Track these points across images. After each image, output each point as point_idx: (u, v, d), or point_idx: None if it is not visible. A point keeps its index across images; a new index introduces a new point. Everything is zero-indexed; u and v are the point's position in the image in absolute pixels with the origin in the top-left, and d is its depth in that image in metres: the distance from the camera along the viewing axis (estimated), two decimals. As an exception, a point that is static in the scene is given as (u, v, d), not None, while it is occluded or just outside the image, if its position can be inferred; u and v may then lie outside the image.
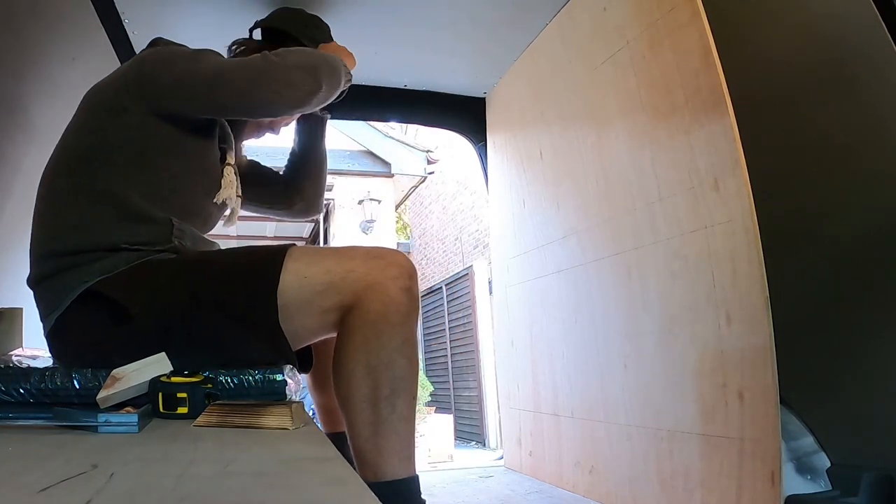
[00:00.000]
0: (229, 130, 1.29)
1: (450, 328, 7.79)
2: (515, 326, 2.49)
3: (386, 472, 0.99)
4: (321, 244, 6.63)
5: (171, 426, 0.80)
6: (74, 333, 1.05)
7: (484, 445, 6.76)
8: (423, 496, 1.03)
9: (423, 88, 2.62)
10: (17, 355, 1.16)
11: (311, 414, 1.20)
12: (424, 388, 6.80)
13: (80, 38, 1.81)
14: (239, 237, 6.35)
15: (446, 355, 7.85)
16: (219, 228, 1.38)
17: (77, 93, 1.23)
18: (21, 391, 0.93)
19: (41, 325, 1.10)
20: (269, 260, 1.04)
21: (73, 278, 1.04)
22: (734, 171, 1.36)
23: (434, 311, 8.28)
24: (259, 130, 1.42)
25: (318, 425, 1.30)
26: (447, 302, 7.88)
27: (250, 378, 0.98)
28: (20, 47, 1.51)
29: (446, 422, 6.16)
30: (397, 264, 1.04)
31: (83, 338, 1.04)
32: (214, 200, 1.23)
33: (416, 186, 7.79)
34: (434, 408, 6.65)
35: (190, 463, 0.57)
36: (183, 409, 0.85)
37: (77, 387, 0.94)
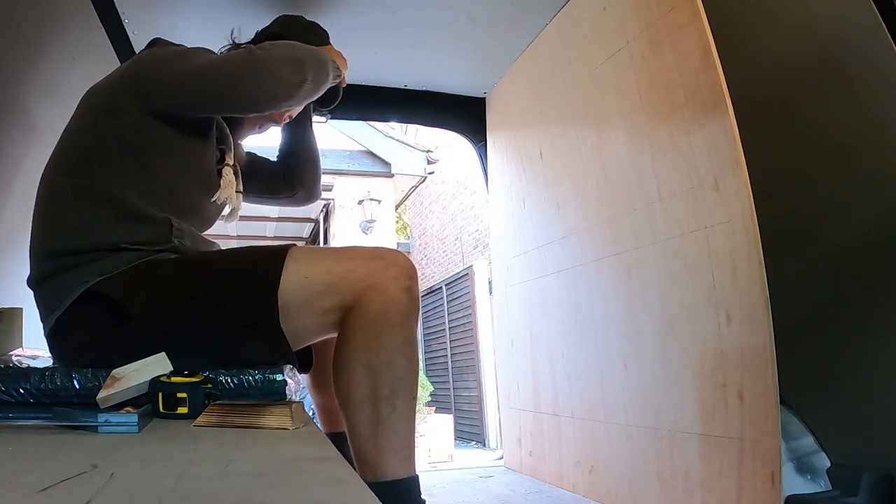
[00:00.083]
0: (228, 132, 1.29)
1: (450, 328, 7.79)
2: (515, 326, 2.49)
3: (386, 472, 0.99)
4: (321, 244, 6.63)
5: (171, 426, 0.80)
6: (75, 333, 1.05)
7: (484, 445, 6.76)
8: (423, 496, 1.03)
9: (423, 88, 2.62)
10: (17, 355, 1.16)
11: (311, 414, 1.20)
12: (424, 388, 6.80)
13: (80, 38, 1.81)
14: (239, 237, 6.35)
15: (446, 355, 7.85)
16: (218, 228, 1.38)
17: (77, 93, 1.23)
18: (21, 391, 0.93)
19: (41, 325, 1.10)
20: (269, 260, 1.04)
21: (74, 278, 1.04)
22: (734, 171, 1.36)
23: (434, 311, 8.28)
24: (260, 125, 1.40)
25: (318, 425, 1.30)
26: (447, 302, 7.88)
27: (250, 378, 0.98)
28: (20, 47, 1.51)
29: (446, 422, 6.16)
30: (397, 264, 1.04)
31: (83, 338, 1.05)
32: (213, 200, 1.23)
33: (416, 186, 7.78)
34: (434, 408, 6.65)
35: (190, 463, 0.57)
36: (183, 409, 0.85)
37: (77, 387, 0.94)
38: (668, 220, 1.59)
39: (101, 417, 0.76)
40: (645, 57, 1.67)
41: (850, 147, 1.38)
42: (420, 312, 1.08)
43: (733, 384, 1.36)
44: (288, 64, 1.13)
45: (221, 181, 1.26)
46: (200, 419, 0.81)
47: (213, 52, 1.21)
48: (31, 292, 1.11)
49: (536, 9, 2.07)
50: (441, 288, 8.09)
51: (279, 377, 0.99)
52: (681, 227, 1.54)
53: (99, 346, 1.02)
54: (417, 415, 1.08)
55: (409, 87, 2.60)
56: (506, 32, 2.22)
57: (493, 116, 2.68)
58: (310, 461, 0.61)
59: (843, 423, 1.41)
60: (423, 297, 8.18)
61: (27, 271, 1.12)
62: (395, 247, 6.08)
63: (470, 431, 7.19)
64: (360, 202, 6.38)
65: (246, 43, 1.42)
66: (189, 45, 1.24)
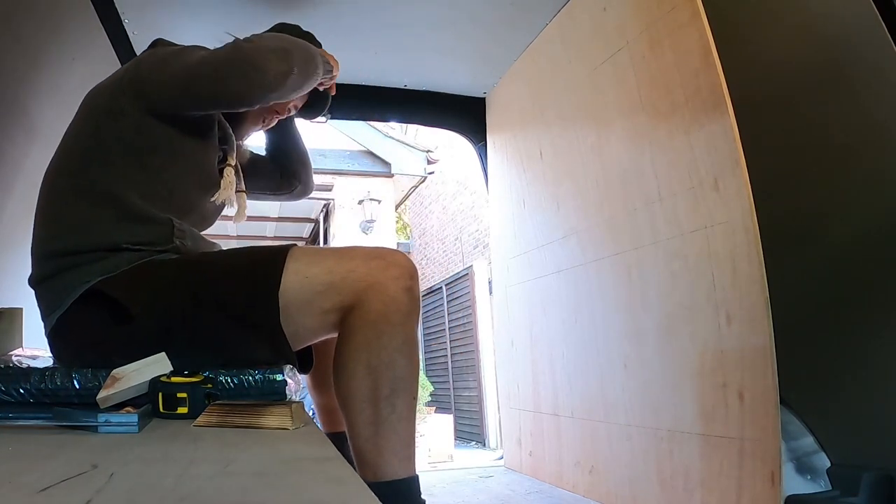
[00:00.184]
0: (231, 132, 1.29)
1: (450, 328, 7.78)
2: (515, 326, 2.49)
3: (386, 472, 0.99)
4: (321, 244, 6.63)
5: (171, 426, 0.80)
6: (76, 333, 1.05)
7: (484, 445, 6.76)
8: (423, 496, 1.03)
9: (423, 88, 2.62)
10: (17, 355, 1.16)
11: (311, 414, 1.20)
12: (424, 388, 6.80)
13: (80, 39, 1.81)
14: (239, 237, 6.35)
15: (446, 355, 7.85)
16: (218, 228, 1.38)
17: (77, 93, 1.23)
18: (21, 391, 0.93)
19: (42, 324, 1.10)
20: (270, 260, 1.04)
21: (75, 278, 1.04)
22: (734, 171, 1.36)
23: (434, 311, 8.28)
24: (264, 119, 1.39)
25: (318, 425, 1.30)
26: (447, 302, 7.88)
27: (250, 378, 0.98)
28: (20, 48, 1.51)
29: (446, 422, 6.16)
30: (398, 264, 1.04)
31: (84, 337, 1.05)
32: (213, 200, 1.23)
33: (416, 186, 7.78)
34: (434, 408, 6.65)
35: (190, 463, 0.57)
36: (183, 409, 0.85)
37: (77, 387, 0.94)
38: (668, 220, 1.59)
39: (101, 417, 0.76)
40: (645, 57, 1.67)
41: (850, 147, 1.38)
42: (420, 312, 1.08)
43: (733, 384, 1.36)
44: (274, 54, 1.11)
45: (222, 182, 1.26)
46: (200, 419, 0.81)
47: (205, 49, 1.20)
48: (31, 292, 1.11)
49: (536, 9, 2.07)
50: (441, 288, 8.09)
51: (279, 377, 0.99)
52: (681, 227, 1.54)
53: (100, 346, 1.02)
54: (417, 415, 1.08)
55: (409, 87, 2.60)
56: (506, 32, 2.22)
57: (493, 116, 2.68)
58: (310, 461, 0.61)
59: (843, 423, 1.40)
60: (423, 297, 8.16)
61: (27, 271, 1.12)
62: (395, 247, 6.07)
63: (470, 431, 7.19)
64: (360, 202, 6.38)
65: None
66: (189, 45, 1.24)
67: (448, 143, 7.84)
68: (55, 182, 1.13)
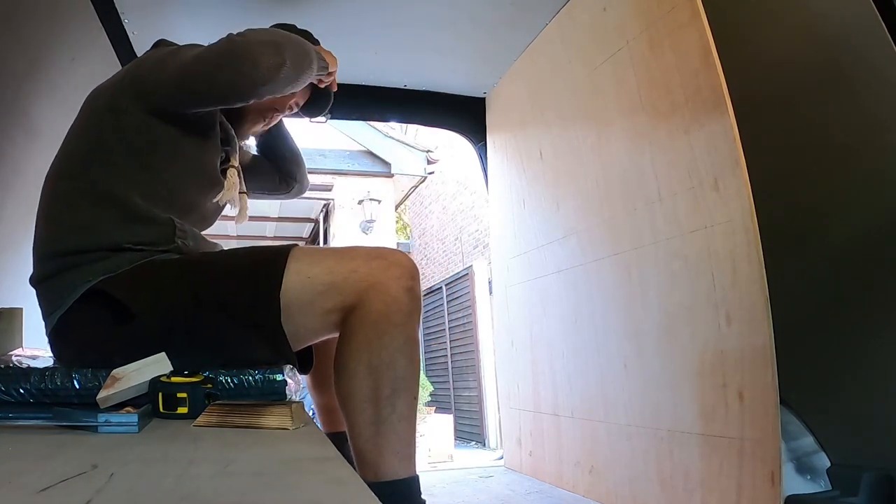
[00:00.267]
0: (233, 132, 1.29)
1: (450, 328, 7.78)
2: (515, 326, 2.49)
3: (386, 472, 0.99)
4: (321, 244, 6.63)
5: (171, 426, 0.80)
6: (77, 332, 1.05)
7: (484, 445, 6.76)
8: (422, 496, 1.03)
9: (423, 88, 2.62)
10: (17, 355, 1.16)
11: (311, 414, 1.20)
12: (424, 388, 6.80)
13: (80, 39, 1.81)
14: (239, 237, 6.35)
15: (446, 355, 7.85)
16: (218, 228, 1.38)
17: (77, 93, 1.23)
18: (21, 391, 0.93)
19: (43, 324, 1.10)
20: (271, 260, 1.04)
21: (77, 277, 1.04)
22: (734, 171, 1.36)
23: (434, 311, 8.28)
24: (265, 117, 1.37)
25: (318, 425, 1.30)
26: (447, 302, 7.88)
27: (250, 378, 0.98)
28: (20, 47, 1.51)
29: (446, 422, 6.16)
30: (399, 264, 1.04)
31: (85, 337, 1.05)
32: (216, 201, 1.23)
33: (416, 186, 7.78)
34: (434, 408, 6.65)
35: (190, 463, 0.57)
36: (183, 409, 0.85)
37: (77, 387, 0.94)
38: (668, 220, 1.59)
39: (101, 417, 0.76)
40: (645, 57, 1.67)
41: (850, 147, 1.38)
42: (422, 312, 1.08)
43: (733, 384, 1.36)
44: (266, 47, 1.09)
45: (226, 183, 1.26)
46: (200, 419, 0.81)
47: (200, 46, 1.20)
48: (32, 292, 1.11)
49: (536, 9, 2.07)
50: (441, 288, 8.09)
51: (279, 377, 0.99)
52: (681, 227, 1.54)
53: (100, 346, 1.02)
54: (417, 415, 1.08)
55: (409, 87, 2.60)
56: (506, 32, 2.22)
57: (493, 116, 2.68)
58: (310, 461, 0.61)
59: (843, 423, 1.40)
60: (423, 297, 8.16)
61: (27, 271, 1.12)
62: (394, 247, 6.08)
63: (470, 431, 7.18)
64: (360, 202, 6.38)
65: None
66: (189, 45, 1.24)
67: (448, 143, 7.84)
68: (57, 183, 1.14)
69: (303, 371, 1.22)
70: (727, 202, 1.39)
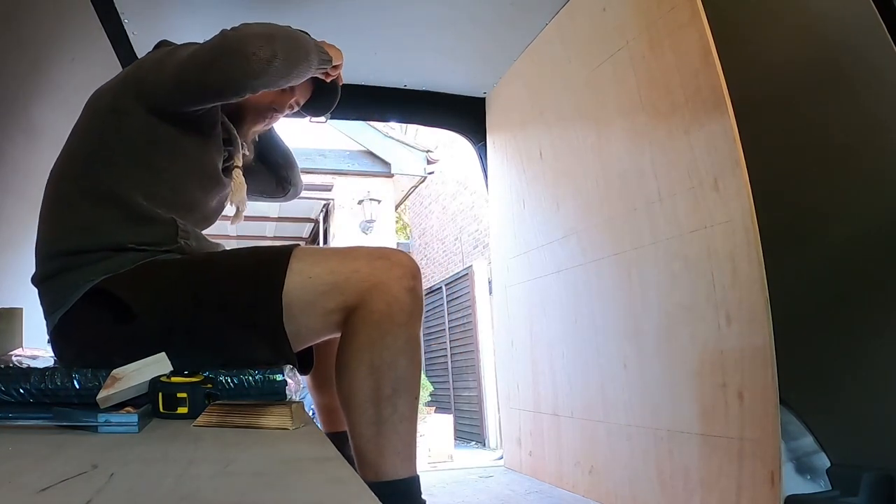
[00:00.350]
0: (235, 133, 1.29)
1: (450, 328, 7.78)
2: (515, 326, 2.49)
3: (387, 471, 0.99)
4: (321, 244, 6.63)
5: (171, 426, 0.80)
6: (79, 331, 1.06)
7: (484, 445, 6.76)
8: (423, 496, 1.03)
9: (423, 88, 2.62)
10: (17, 355, 1.16)
11: (311, 414, 1.20)
12: (424, 388, 6.80)
13: (80, 39, 1.81)
14: (239, 237, 6.35)
15: (446, 355, 7.85)
16: (218, 228, 1.38)
17: (77, 94, 1.23)
18: (21, 391, 0.93)
19: (44, 323, 1.10)
20: (274, 261, 1.04)
21: (79, 276, 1.05)
22: (734, 171, 1.36)
23: (434, 311, 8.28)
24: (265, 117, 1.36)
25: (318, 425, 1.30)
26: (447, 302, 7.87)
27: (250, 378, 0.98)
28: (20, 48, 1.51)
29: (446, 422, 6.16)
30: (401, 264, 1.04)
31: (87, 336, 1.05)
32: (230, 204, 1.24)
33: (416, 186, 7.78)
34: (434, 408, 6.65)
35: (190, 463, 0.57)
36: (183, 409, 0.85)
37: (77, 387, 0.94)
38: (668, 220, 1.59)
39: (101, 417, 0.76)
40: (645, 57, 1.67)
41: (850, 147, 1.38)
42: (423, 312, 1.08)
43: (733, 384, 1.36)
44: (256, 40, 1.08)
45: (233, 184, 1.26)
46: (200, 419, 0.81)
47: (196, 44, 1.19)
48: (32, 292, 1.12)
49: (536, 9, 2.07)
50: (441, 288, 8.09)
51: (279, 377, 0.99)
52: (681, 227, 1.54)
53: (102, 345, 1.03)
54: (418, 415, 1.08)
55: (409, 87, 2.60)
56: (505, 32, 2.22)
57: (493, 116, 2.68)
58: (310, 461, 0.61)
59: (843, 423, 1.40)
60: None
61: (27, 271, 1.12)
62: (395, 247, 6.08)
63: (470, 431, 7.18)
64: (360, 202, 6.38)
65: None
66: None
67: (448, 143, 7.84)
68: (59, 183, 1.14)
69: (303, 372, 1.22)
70: (727, 202, 1.39)
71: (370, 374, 1.00)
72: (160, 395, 0.86)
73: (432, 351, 8.36)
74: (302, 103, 1.39)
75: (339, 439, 1.09)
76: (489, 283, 4.76)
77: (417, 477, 1.03)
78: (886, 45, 1.24)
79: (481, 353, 6.80)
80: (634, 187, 1.72)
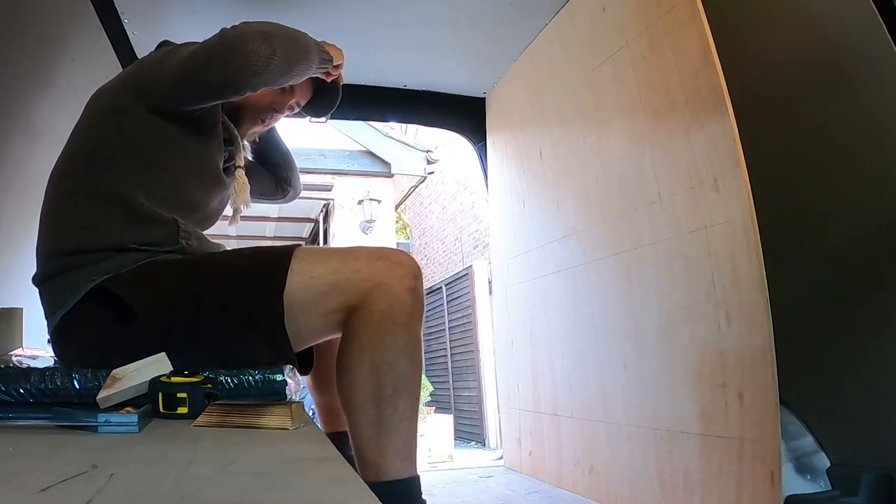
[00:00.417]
0: (236, 133, 1.29)
1: (450, 328, 7.78)
2: (515, 326, 2.49)
3: (387, 471, 0.99)
4: (321, 244, 6.63)
5: (171, 426, 0.80)
6: (80, 331, 1.06)
7: (484, 445, 6.76)
8: (423, 496, 1.03)
9: (423, 88, 2.62)
10: (17, 355, 1.16)
11: (311, 414, 1.20)
12: (424, 388, 6.79)
13: (80, 39, 1.81)
14: (239, 237, 6.35)
15: (446, 355, 7.85)
16: (219, 228, 1.38)
17: (77, 94, 1.23)
18: (21, 391, 0.93)
19: (45, 323, 1.10)
20: (275, 261, 1.04)
21: (80, 276, 1.05)
22: (734, 171, 1.36)
23: (434, 311, 8.28)
24: (262, 118, 1.35)
25: (318, 425, 1.30)
26: (447, 302, 7.87)
27: (250, 378, 0.98)
28: (21, 48, 1.51)
29: (446, 422, 6.16)
30: (402, 264, 1.04)
31: (88, 336, 1.05)
32: (235, 205, 1.24)
33: (416, 186, 7.79)
34: (434, 408, 6.65)
35: (190, 463, 0.57)
36: (183, 409, 0.85)
37: (77, 387, 0.94)
38: (667, 220, 1.59)
39: (101, 417, 0.76)
40: (645, 57, 1.67)
41: (850, 147, 1.38)
42: (424, 312, 1.08)
43: (733, 384, 1.36)
44: (256, 37, 1.08)
45: (236, 184, 1.26)
46: (200, 419, 0.81)
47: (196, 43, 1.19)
48: (32, 292, 1.12)
49: (536, 9, 2.07)
50: (441, 288, 8.09)
51: (279, 377, 0.99)
52: (680, 227, 1.54)
53: (102, 345, 1.03)
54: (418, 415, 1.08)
55: (409, 87, 2.60)
56: (505, 33, 2.22)
57: (493, 116, 2.68)
58: (310, 461, 0.61)
59: (843, 423, 1.41)
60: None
61: (27, 271, 1.12)
62: (395, 247, 6.07)
63: (470, 431, 7.18)
64: (360, 202, 6.38)
65: None
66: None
67: (448, 143, 7.84)
68: (61, 183, 1.14)
69: (303, 372, 1.22)
70: (727, 202, 1.39)
71: (371, 374, 1.00)
72: (160, 395, 0.86)
73: (432, 351, 8.36)
74: (302, 104, 1.38)
75: (339, 439, 1.09)
76: (489, 283, 4.76)
77: (418, 477, 1.03)
78: (886, 45, 1.24)
79: (481, 353, 6.80)
80: (634, 187, 1.72)
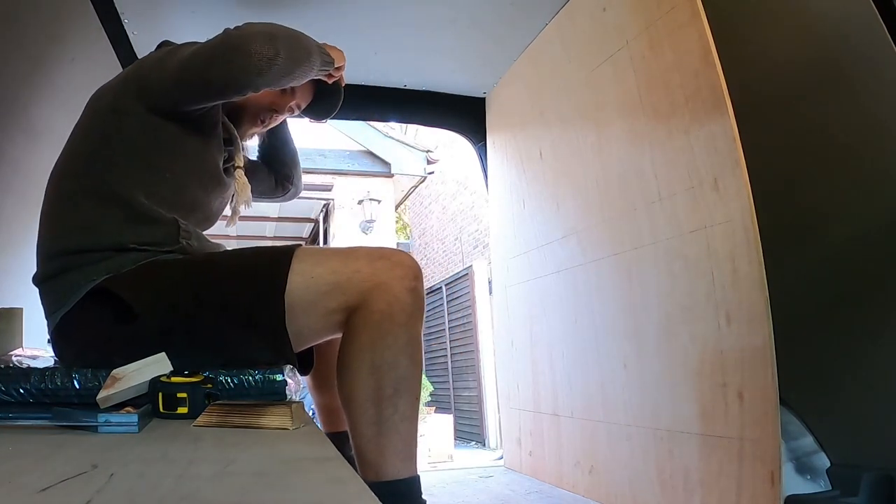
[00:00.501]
0: (235, 133, 1.29)
1: (450, 328, 7.78)
2: (515, 326, 2.49)
3: (387, 472, 0.99)
4: (321, 244, 6.63)
5: (171, 426, 0.80)
6: (80, 331, 1.06)
7: (484, 445, 6.76)
8: (423, 496, 1.03)
9: (423, 88, 2.62)
10: (17, 355, 1.16)
11: (311, 414, 1.20)
12: (424, 388, 6.79)
13: (80, 39, 1.81)
14: (239, 237, 6.35)
15: (446, 355, 7.85)
16: (218, 228, 1.38)
17: (77, 94, 1.23)
18: (21, 391, 0.93)
19: (45, 323, 1.10)
20: (276, 261, 1.04)
21: (81, 276, 1.05)
22: (734, 171, 1.36)
23: (434, 311, 8.28)
24: (262, 119, 1.35)
25: (318, 425, 1.30)
26: (447, 302, 7.88)
27: (250, 378, 0.98)
28: (21, 48, 1.51)
29: (446, 422, 6.16)
30: (403, 264, 1.04)
31: (88, 336, 1.05)
32: (236, 205, 1.24)
33: (416, 186, 7.78)
34: (434, 408, 6.65)
35: (190, 463, 0.57)
36: (183, 409, 0.85)
37: (77, 387, 0.94)
38: (667, 220, 1.59)
39: (101, 417, 0.76)
40: (645, 57, 1.67)
41: (850, 147, 1.39)
42: (424, 312, 1.08)
43: (733, 384, 1.36)
44: (258, 38, 1.08)
45: (237, 185, 1.26)
46: (200, 419, 0.81)
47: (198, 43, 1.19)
48: (32, 292, 1.12)
49: (536, 9, 2.07)
50: (441, 288, 8.09)
51: (279, 377, 0.99)
52: (680, 227, 1.54)
53: (102, 345, 1.03)
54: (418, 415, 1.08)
55: (409, 87, 2.60)
56: (505, 33, 2.22)
57: (493, 117, 2.68)
58: (310, 461, 0.61)
59: (843, 423, 1.41)
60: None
61: (27, 271, 1.12)
62: (395, 247, 6.07)
63: (470, 431, 7.18)
64: (360, 202, 6.38)
65: None
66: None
67: (448, 143, 7.84)
68: (61, 183, 1.14)
69: (303, 372, 1.22)
70: (727, 202, 1.39)
71: (371, 374, 1.00)
72: (160, 395, 0.86)
73: (432, 351, 8.36)
74: (303, 106, 1.39)
75: (339, 439, 1.09)
76: (489, 283, 4.76)
77: (418, 477, 1.03)
78: (886, 45, 1.24)
79: (481, 353, 6.80)
80: (634, 187, 1.72)
